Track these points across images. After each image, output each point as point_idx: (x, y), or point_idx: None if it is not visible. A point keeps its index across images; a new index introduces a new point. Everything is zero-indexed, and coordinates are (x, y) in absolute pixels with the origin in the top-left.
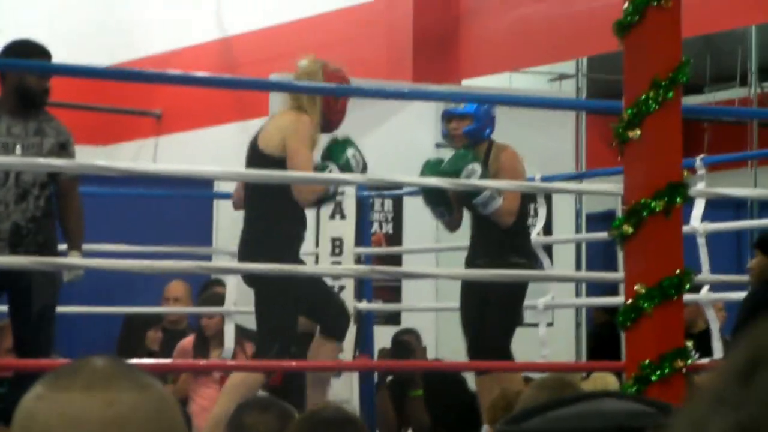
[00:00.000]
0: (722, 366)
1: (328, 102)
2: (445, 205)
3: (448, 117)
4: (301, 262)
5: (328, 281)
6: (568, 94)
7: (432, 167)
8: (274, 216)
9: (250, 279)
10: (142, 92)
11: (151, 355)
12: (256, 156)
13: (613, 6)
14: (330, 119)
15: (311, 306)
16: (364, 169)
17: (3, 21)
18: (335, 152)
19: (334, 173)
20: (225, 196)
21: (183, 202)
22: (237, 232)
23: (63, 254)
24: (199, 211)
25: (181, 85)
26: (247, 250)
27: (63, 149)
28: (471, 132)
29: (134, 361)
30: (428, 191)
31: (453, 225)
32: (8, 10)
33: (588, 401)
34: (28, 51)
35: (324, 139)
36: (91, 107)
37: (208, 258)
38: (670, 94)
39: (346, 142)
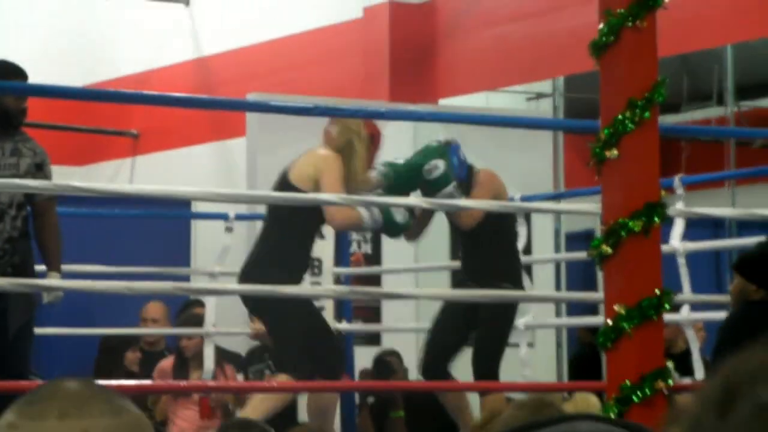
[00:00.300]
0: (700, 394)
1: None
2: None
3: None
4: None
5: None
6: (546, 114)
7: (393, 165)
8: (279, 243)
9: (255, 309)
10: (119, 112)
11: (129, 375)
12: (285, 187)
13: (589, 25)
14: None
15: (311, 340)
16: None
17: None
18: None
19: (318, 195)
20: (203, 216)
21: (161, 223)
22: (215, 252)
23: (40, 275)
24: (177, 232)
25: (158, 106)
26: (247, 272)
27: (39, 170)
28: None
29: (114, 382)
30: (390, 191)
31: (412, 234)
32: None
33: (564, 423)
34: (3, 71)
35: None
36: (67, 127)
37: (187, 279)
38: (647, 114)
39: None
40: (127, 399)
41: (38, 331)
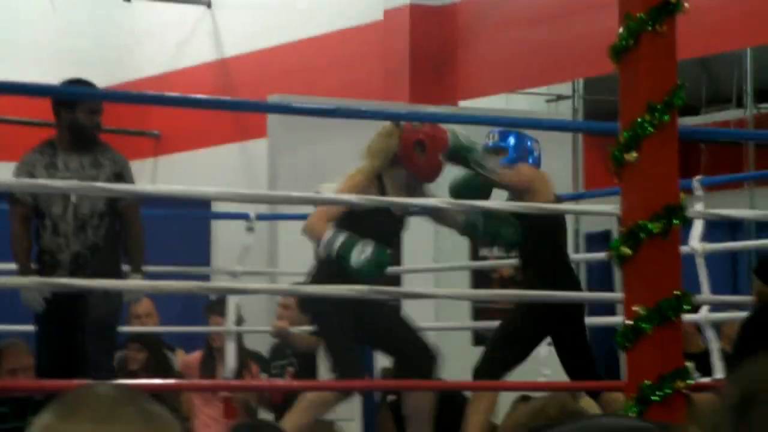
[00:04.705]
0: (718, 399)
1: (408, 156)
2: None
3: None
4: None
5: None
6: (565, 115)
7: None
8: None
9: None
10: (141, 112)
11: (131, 374)
12: None
13: (609, 29)
14: (415, 173)
15: (386, 340)
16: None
17: (1, 43)
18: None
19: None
20: (224, 216)
21: (180, 222)
22: (234, 252)
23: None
24: (196, 231)
25: (180, 107)
26: (315, 271)
27: (119, 178)
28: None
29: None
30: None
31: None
32: (6, 32)
33: (588, 420)
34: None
35: None
36: None
37: (207, 278)
38: (666, 117)
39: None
40: (161, 406)
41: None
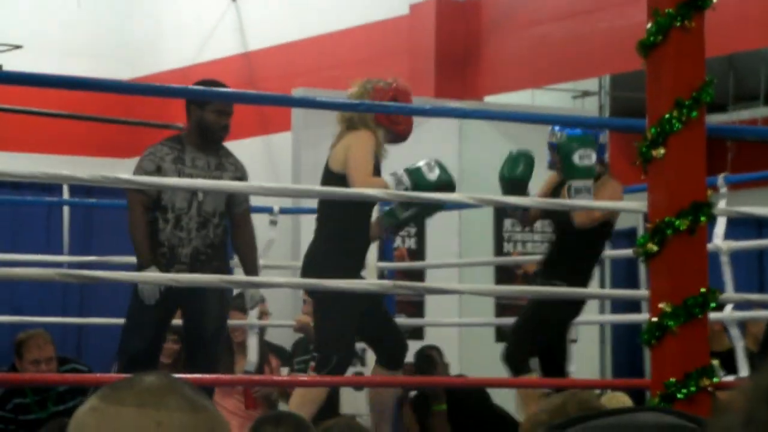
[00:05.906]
0: (752, 386)
1: (383, 116)
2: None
3: (549, 148)
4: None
5: None
6: (591, 112)
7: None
8: (336, 231)
9: (310, 291)
10: (165, 105)
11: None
12: (326, 175)
13: (636, 24)
14: (393, 130)
15: (371, 332)
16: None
17: (23, 33)
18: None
19: (364, 189)
20: None
21: None
22: (258, 245)
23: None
24: None
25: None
26: (308, 263)
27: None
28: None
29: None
30: (509, 180)
31: (526, 220)
32: (28, 23)
33: (628, 414)
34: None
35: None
36: (113, 120)
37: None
38: (694, 114)
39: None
40: (207, 397)
41: (82, 320)
